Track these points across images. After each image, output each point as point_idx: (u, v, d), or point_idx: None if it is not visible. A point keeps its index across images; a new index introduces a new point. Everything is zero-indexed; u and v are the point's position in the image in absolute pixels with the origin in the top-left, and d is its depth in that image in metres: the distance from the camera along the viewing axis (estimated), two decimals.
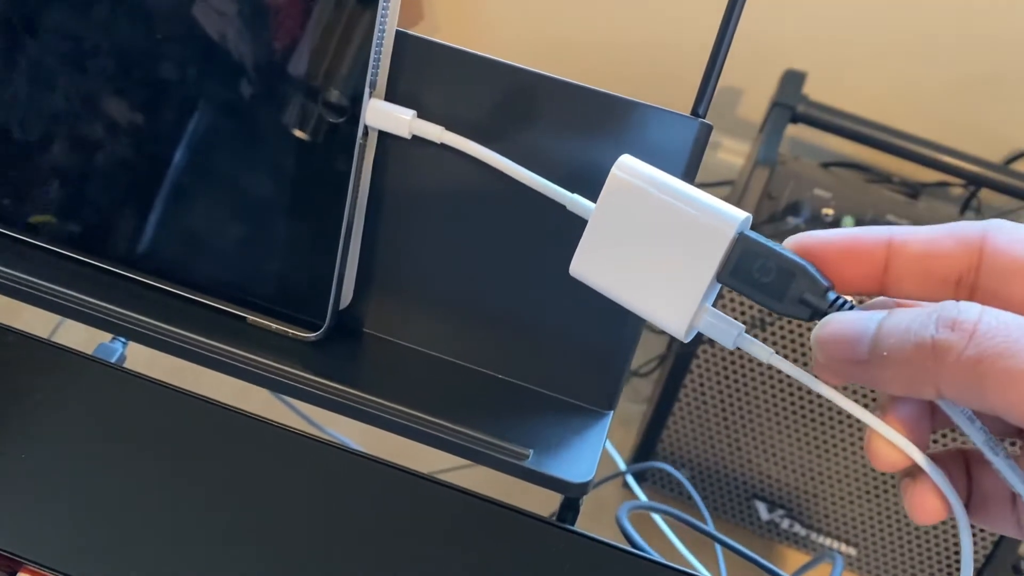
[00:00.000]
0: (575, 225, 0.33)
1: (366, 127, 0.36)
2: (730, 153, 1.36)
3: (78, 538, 0.36)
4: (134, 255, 0.41)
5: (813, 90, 1.09)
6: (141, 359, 0.46)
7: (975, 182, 1.12)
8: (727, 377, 1.02)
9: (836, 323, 0.27)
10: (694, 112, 0.35)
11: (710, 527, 0.49)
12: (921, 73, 1.24)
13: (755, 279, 0.30)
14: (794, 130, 1.12)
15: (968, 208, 1.23)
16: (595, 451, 0.38)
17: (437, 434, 0.38)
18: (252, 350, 0.39)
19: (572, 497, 0.39)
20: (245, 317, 0.40)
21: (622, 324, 0.39)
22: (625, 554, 0.37)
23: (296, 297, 0.40)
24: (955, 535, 1.05)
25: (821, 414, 1.03)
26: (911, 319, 0.25)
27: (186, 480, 0.38)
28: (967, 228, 0.28)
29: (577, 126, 0.36)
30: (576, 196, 0.34)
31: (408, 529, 0.37)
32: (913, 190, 1.20)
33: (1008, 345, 0.23)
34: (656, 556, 0.37)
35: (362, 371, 0.41)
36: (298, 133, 0.37)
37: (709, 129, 0.35)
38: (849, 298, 0.30)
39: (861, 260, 0.29)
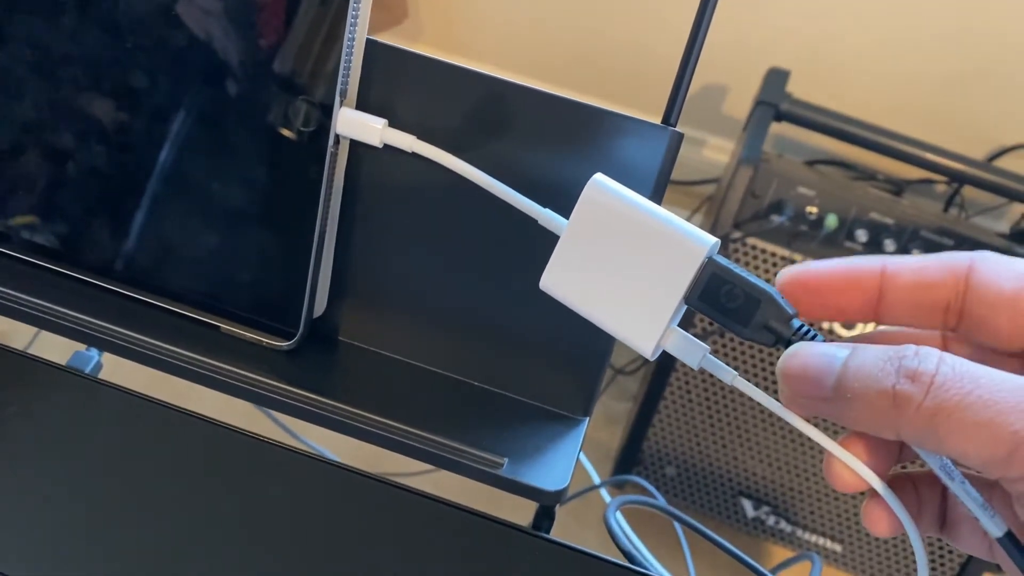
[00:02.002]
0: (547, 235, 0.33)
1: (337, 136, 0.36)
2: (715, 151, 1.37)
3: (50, 550, 0.36)
4: (107, 264, 0.41)
5: (796, 88, 1.09)
6: (118, 366, 0.46)
7: (958, 179, 1.13)
8: (712, 376, 1.02)
9: (801, 358, 0.28)
10: (665, 120, 0.35)
11: (696, 525, 0.49)
12: (904, 71, 1.24)
13: (722, 303, 0.31)
14: (778, 128, 1.12)
15: (952, 205, 1.23)
16: (570, 459, 0.38)
17: (412, 443, 0.38)
18: (226, 359, 0.39)
19: (547, 505, 0.39)
20: (219, 326, 0.40)
21: (597, 331, 0.39)
22: (600, 562, 0.37)
23: (270, 306, 0.40)
24: None
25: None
26: (873, 364, 0.26)
27: (161, 492, 0.38)
28: (955, 258, 0.29)
29: (549, 135, 0.36)
30: (548, 211, 0.34)
31: (383, 539, 0.37)
32: (897, 187, 1.21)
33: (962, 397, 0.24)
34: (630, 564, 0.37)
35: (337, 380, 0.41)
36: (269, 142, 0.37)
37: (680, 137, 0.35)
38: (813, 327, 0.30)
39: (857, 291, 0.30)
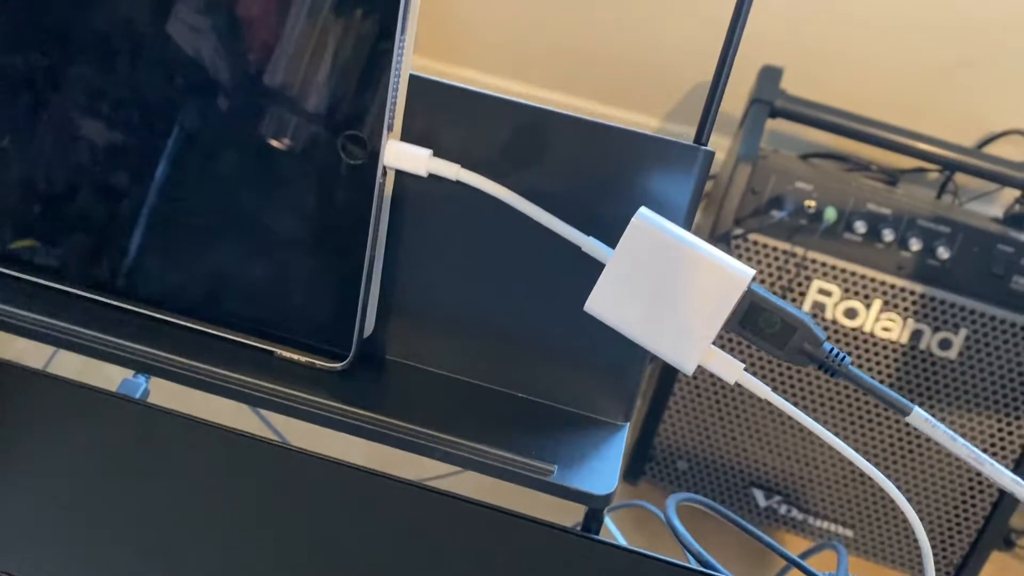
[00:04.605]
0: (584, 256, 0.35)
1: (384, 167, 0.38)
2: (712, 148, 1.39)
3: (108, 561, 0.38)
4: (165, 295, 0.43)
5: (790, 84, 1.12)
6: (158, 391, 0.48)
7: (950, 167, 1.15)
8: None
9: None
10: (697, 140, 0.37)
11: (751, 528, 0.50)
12: (894, 63, 1.26)
13: (760, 329, 0.33)
14: (772, 123, 1.14)
15: (945, 192, 1.26)
16: (615, 463, 0.40)
17: (465, 455, 0.40)
18: (281, 383, 0.41)
19: (596, 508, 0.41)
20: (273, 352, 0.42)
21: (634, 343, 0.41)
22: (658, 562, 0.39)
23: (322, 330, 0.42)
24: (948, 515, 1.08)
25: (813, 400, 1.06)
26: None
27: (222, 512, 0.40)
28: None
29: (587, 159, 0.38)
30: (592, 239, 0.36)
31: (436, 546, 0.39)
32: (891, 177, 1.23)
33: None
34: (682, 562, 0.39)
35: (387, 397, 0.43)
36: (321, 175, 0.39)
37: (711, 155, 0.37)
38: (844, 352, 0.33)
39: None
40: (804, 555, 0.59)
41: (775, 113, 1.10)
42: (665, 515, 0.43)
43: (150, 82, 0.40)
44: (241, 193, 0.40)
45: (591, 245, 0.37)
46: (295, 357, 0.42)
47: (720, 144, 1.37)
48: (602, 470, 0.39)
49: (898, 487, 1.08)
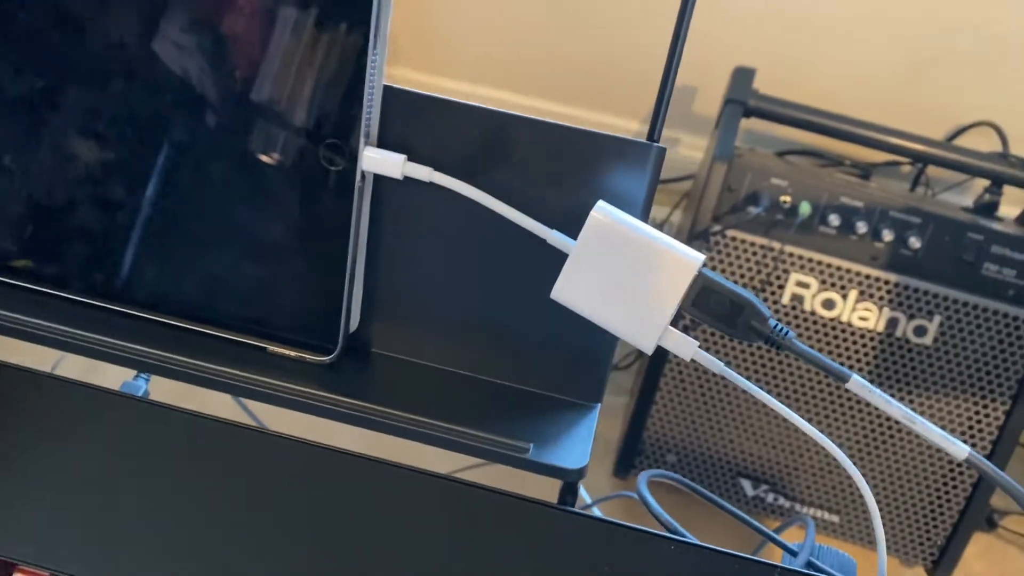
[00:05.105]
0: (550, 249, 0.38)
1: (363, 172, 0.41)
2: (689, 148, 1.42)
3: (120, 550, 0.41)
4: (162, 299, 0.46)
5: (762, 84, 1.15)
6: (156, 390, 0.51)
7: (921, 159, 1.19)
8: (703, 367, 1.08)
9: None
10: (649, 137, 0.40)
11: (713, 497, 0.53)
12: (864, 61, 1.30)
13: (712, 309, 0.36)
14: (747, 123, 1.17)
15: (918, 184, 1.30)
16: (587, 440, 0.43)
17: (446, 436, 0.43)
18: (273, 376, 0.44)
19: (571, 482, 0.44)
20: (265, 348, 0.45)
21: (601, 328, 0.44)
22: (623, 528, 0.42)
23: (310, 326, 0.45)
24: (929, 498, 1.11)
25: (796, 390, 1.09)
26: None
27: (233, 502, 0.43)
28: None
29: (549, 158, 0.41)
30: (556, 232, 0.40)
31: (423, 524, 0.42)
32: (865, 171, 1.26)
33: None
34: (653, 529, 0.42)
35: (373, 386, 0.46)
36: (303, 181, 0.42)
37: (663, 151, 0.40)
38: (787, 328, 0.36)
39: None
40: (777, 531, 0.62)
41: (749, 112, 1.13)
42: (637, 490, 0.46)
43: (141, 99, 0.43)
44: (230, 202, 0.43)
45: (555, 237, 0.40)
46: (286, 352, 0.45)
47: (697, 144, 1.41)
48: (575, 447, 0.42)
49: (878, 471, 1.11)
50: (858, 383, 0.36)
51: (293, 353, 0.45)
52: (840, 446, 1.10)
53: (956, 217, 1.06)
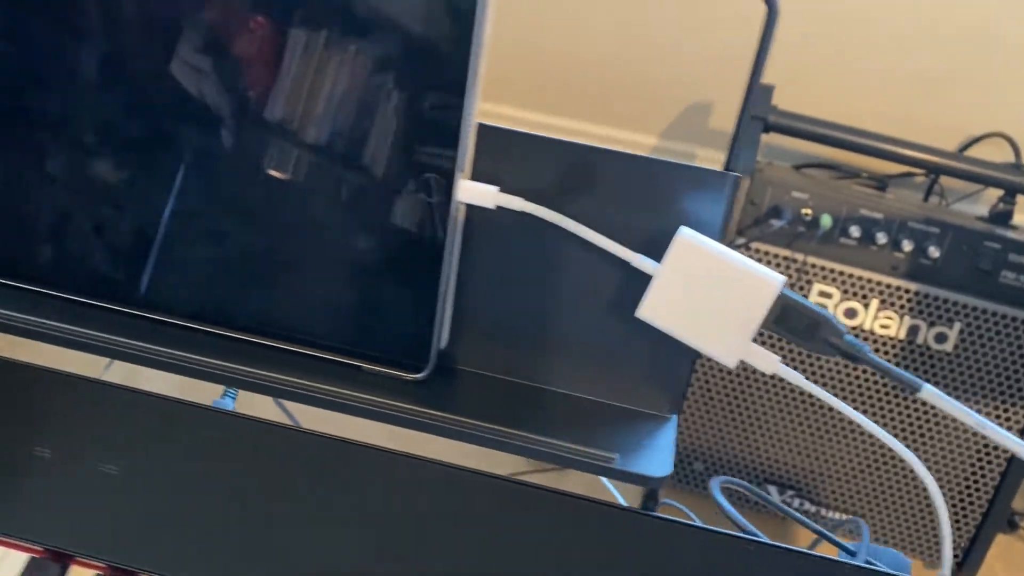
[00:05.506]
0: (631, 269, 0.42)
1: (458, 203, 0.44)
2: (706, 163, 1.45)
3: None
4: (263, 322, 0.49)
5: (780, 100, 1.18)
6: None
7: (935, 170, 1.22)
8: (730, 374, 1.11)
9: None
10: (727, 167, 0.44)
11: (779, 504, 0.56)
12: (877, 75, 1.34)
13: (791, 326, 0.40)
14: (765, 136, 1.21)
15: (931, 194, 1.33)
16: (669, 449, 0.46)
17: (536, 448, 0.46)
18: (370, 392, 0.47)
19: (653, 489, 0.47)
20: (360, 367, 0.48)
21: (680, 343, 0.47)
22: (706, 532, 0.44)
23: (403, 345, 0.48)
24: (952, 500, 1.14)
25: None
26: None
27: (326, 513, 0.46)
28: None
29: (631, 187, 0.44)
30: (640, 256, 0.43)
31: (513, 531, 0.45)
32: (881, 183, 1.30)
33: None
34: (728, 531, 0.45)
35: (462, 401, 0.49)
36: (403, 212, 0.45)
37: (738, 180, 0.43)
38: (863, 343, 0.39)
39: None
40: (832, 527, 0.65)
41: (769, 128, 1.17)
42: (712, 495, 0.49)
43: (257, 139, 0.46)
44: (334, 232, 0.46)
45: (640, 260, 0.43)
46: (380, 370, 0.48)
47: (715, 159, 1.44)
48: (657, 456, 0.45)
49: (902, 476, 1.14)
50: (930, 392, 0.39)
51: (387, 371, 0.48)
52: (865, 452, 1.13)
53: (973, 227, 1.10)
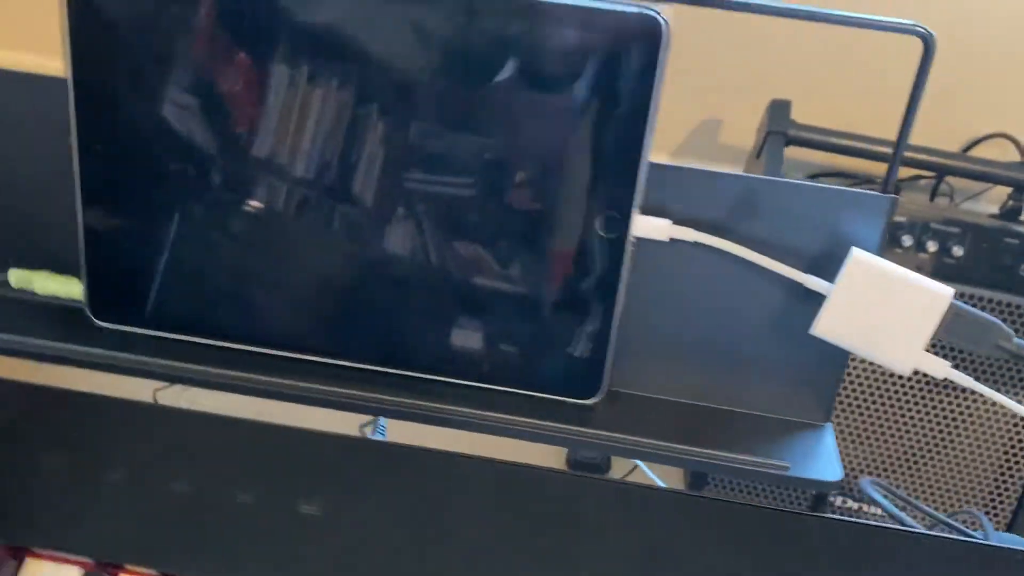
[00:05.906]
0: (792, 288, 0.45)
1: (632, 237, 0.47)
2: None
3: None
4: (441, 363, 0.51)
5: (797, 114, 1.23)
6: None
7: (941, 171, 1.28)
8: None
9: None
10: (883, 190, 0.47)
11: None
12: (883, 83, 1.39)
13: (962, 333, 0.43)
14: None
15: (936, 195, 1.39)
16: (834, 455, 0.49)
17: (711, 462, 0.49)
18: (541, 418, 0.50)
19: (823, 493, 0.50)
20: (532, 395, 0.51)
21: (830, 357, 0.50)
22: (874, 528, 0.48)
23: (576, 374, 0.50)
24: (981, 499, 1.19)
25: (856, 387, 1.16)
26: None
27: (471, 532, 0.48)
28: None
29: (795, 213, 0.48)
30: (811, 276, 0.46)
31: (690, 539, 0.48)
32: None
33: None
34: (914, 525, 0.48)
35: (632, 421, 0.52)
36: (583, 248, 0.48)
37: (896, 201, 0.47)
38: None
39: None
40: (951, 515, 0.69)
41: (789, 142, 1.21)
42: (865, 493, 0.52)
43: (440, 189, 0.48)
44: (513, 271, 0.49)
45: (813, 281, 0.46)
46: (554, 398, 0.51)
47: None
48: (827, 462, 0.49)
49: (927, 482, 1.19)
50: None
51: (561, 399, 0.51)
52: (905, 437, 1.17)
53: (991, 225, 1.15)
